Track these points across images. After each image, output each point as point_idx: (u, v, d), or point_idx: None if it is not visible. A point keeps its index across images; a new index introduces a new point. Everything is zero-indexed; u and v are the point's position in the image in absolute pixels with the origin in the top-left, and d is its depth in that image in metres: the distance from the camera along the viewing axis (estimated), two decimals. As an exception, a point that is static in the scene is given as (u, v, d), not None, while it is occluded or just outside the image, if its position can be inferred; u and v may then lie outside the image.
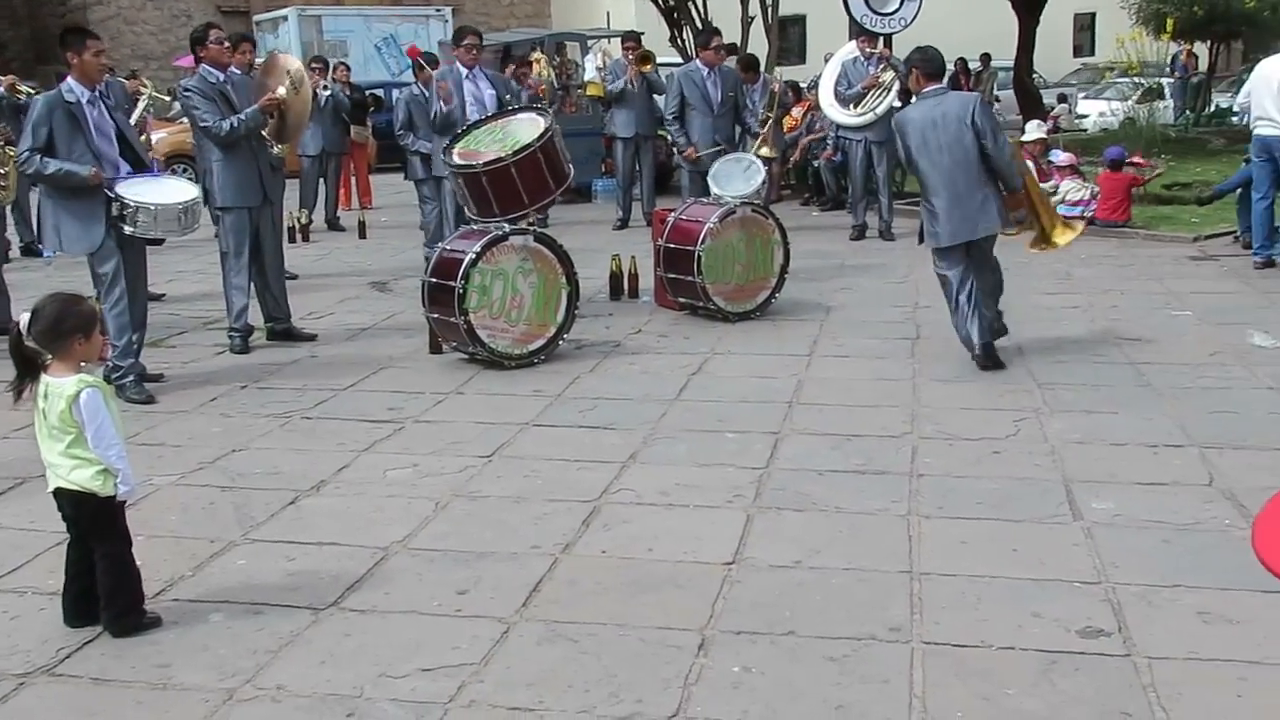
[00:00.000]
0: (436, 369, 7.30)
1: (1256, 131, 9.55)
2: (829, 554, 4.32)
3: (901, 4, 13.67)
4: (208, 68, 7.60)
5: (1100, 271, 9.81)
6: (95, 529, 3.77)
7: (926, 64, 6.94)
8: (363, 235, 13.18)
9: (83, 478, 3.69)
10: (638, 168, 13.32)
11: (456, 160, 7.43)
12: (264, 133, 7.67)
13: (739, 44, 15.75)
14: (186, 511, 4.96)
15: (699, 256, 8.08)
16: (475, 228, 7.52)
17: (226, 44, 7.78)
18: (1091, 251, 10.70)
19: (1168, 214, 12.08)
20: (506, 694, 3.42)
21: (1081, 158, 12.65)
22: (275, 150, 7.95)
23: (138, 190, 6.66)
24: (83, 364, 3.74)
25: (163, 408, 6.58)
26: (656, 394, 6.57)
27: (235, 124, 7.46)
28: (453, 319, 7.04)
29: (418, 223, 13.18)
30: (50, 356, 3.66)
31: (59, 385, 3.64)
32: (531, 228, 7.41)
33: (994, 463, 5.28)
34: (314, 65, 12.96)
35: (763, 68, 14.43)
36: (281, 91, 7.59)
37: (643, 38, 13.81)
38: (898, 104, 12.07)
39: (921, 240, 7.47)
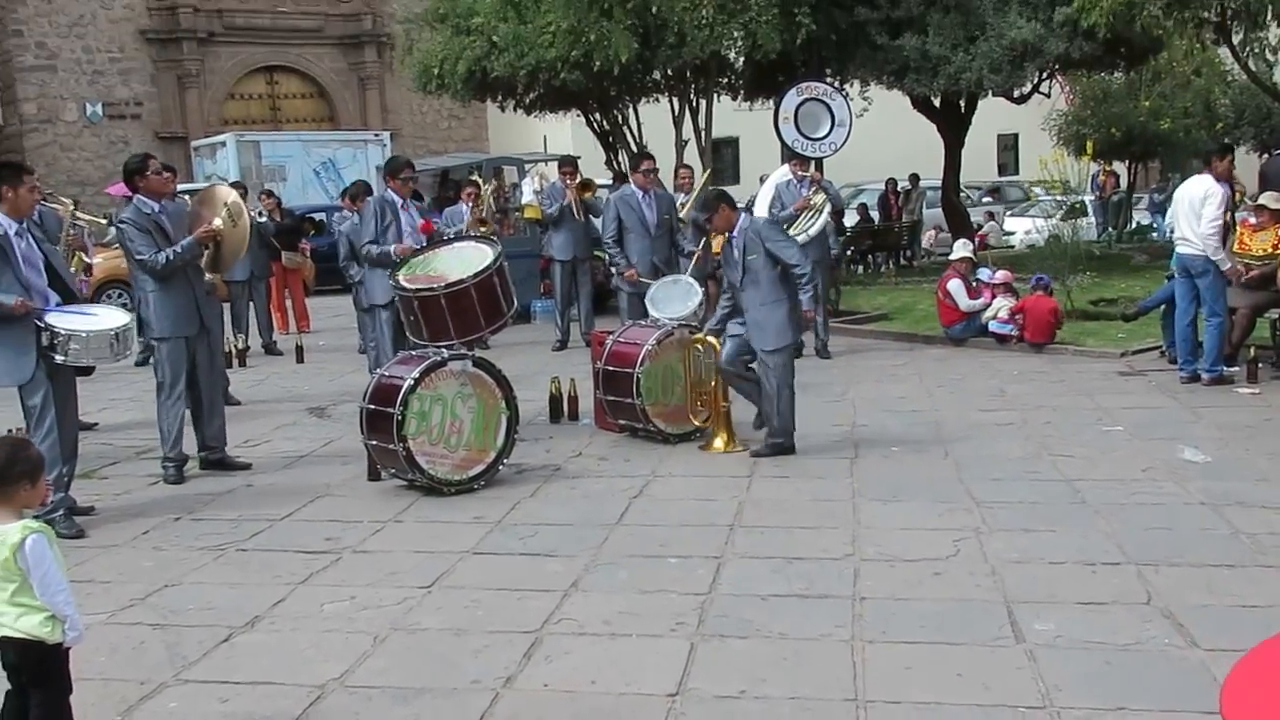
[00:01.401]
0: (375, 496, 7.22)
1: (1176, 249, 9.89)
2: (774, 683, 4.29)
3: (831, 129, 14.01)
4: (143, 199, 7.58)
5: (1032, 387, 9.98)
6: (39, 677, 3.65)
7: (732, 202, 8.11)
8: (300, 359, 13.10)
9: (30, 625, 3.57)
10: (576, 289, 13.43)
11: (408, 285, 7.46)
12: (200, 263, 7.65)
13: (674, 165, 16.05)
14: (116, 652, 4.83)
15: (638, 379, 8.12)
16: (414, 353, 7.52)
17: (164, 174, 7.80)
18: (1023, 367, 10.90)
19: (1094, 329, 12.36)
20: (447, 840, 3.32)
21: (1014, 275, 12.93)
22: (207, 278, 7.92)
23: (68, 319, 6.61)
24: (24, 509, 3.66)
25: (93, 542, 6.43)
26: (597, 519, 6.53)
27: (171, 256, 7.44)
28: (392, 445, 6.99)
29: (356, 346, 13.19)
30: None
31: (1, 533, 3.55)
32: (471, 352, 7.43)
33: (935, 584, 5.30)
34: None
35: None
36: (218, 223, 7.61)
37: (579, 161, 14.04)
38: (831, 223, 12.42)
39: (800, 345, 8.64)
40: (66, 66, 29.44)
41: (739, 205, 8.24)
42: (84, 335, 6.55)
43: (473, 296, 7.36)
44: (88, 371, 8.66)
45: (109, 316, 6.89)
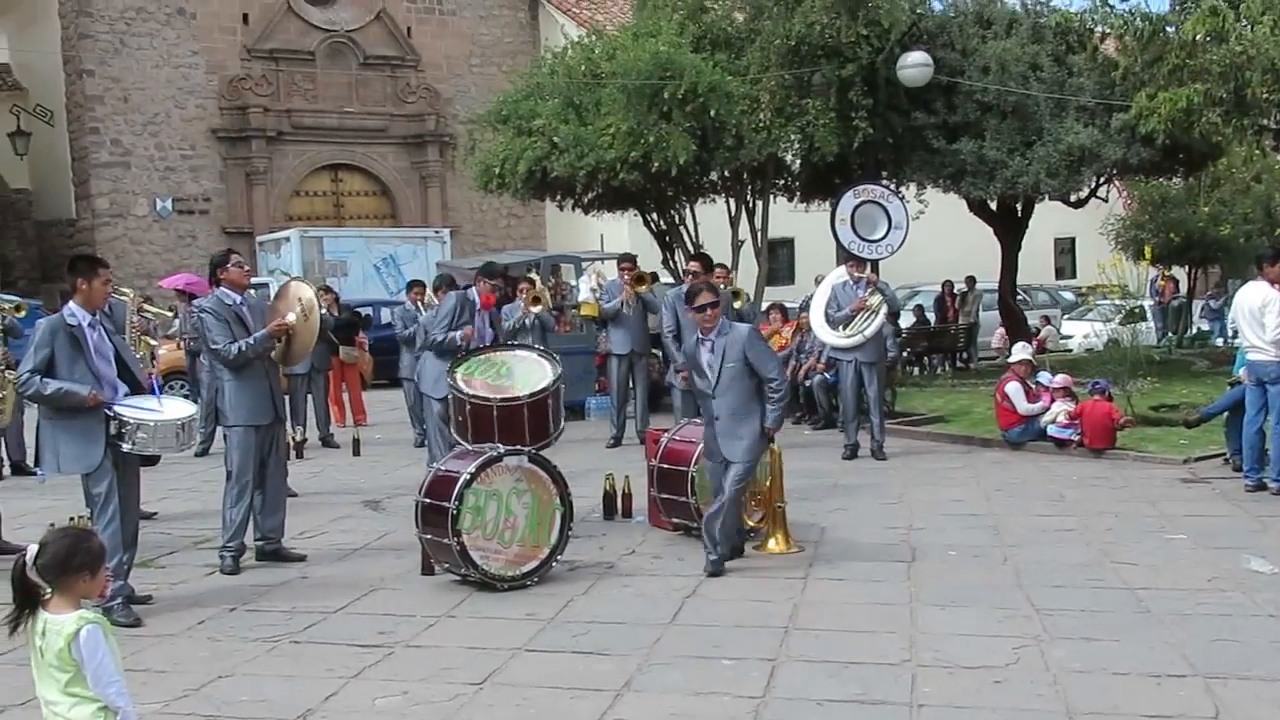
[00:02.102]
0: (428, 591, 7.22)
1: (1246, 357, 9.80)
2: (830, 790, 4.21)
3: (888, 231, 14.10)
4: (225, 290, 7.84)
5: (1093, 493, 9.83)
6: None
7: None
8: (356, 453, 13.21)
9: (83, 715, 3.59)
10: (632, 384, 13.47)
11: (464, 388, 7.60)
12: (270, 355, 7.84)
13: (729, 266, 16.20)
14: (169, 742, 4.83)
15: (692, 477, 8.11)
16: (470, 448, 7.57)
17: (247, 268, 8.04)
18: (1083, 473, 10.75)
19: (1156, 435, 12.17)
20: None
21: (1074, 379, 12.81)
22: None
23: (135, 409, 6.75)
24: (82, 600, 3.69)
25: (149, 631, 6.48)
26: (651, 618, 6.48)
27: (243, 347, 7.64)
28: (446, 540, 7.01)
29: (412, 440, 13.29)
30: (51, 591, 3.61)
31: (58, 623, 3.58)
32: (526, 448, 7.46)
33: (995, 693, 5.19)
34: None
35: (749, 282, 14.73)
36: (291, 318, 7.83)
37: (637, 259, 14.16)
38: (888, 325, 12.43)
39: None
40: (139, 163, 30.27)
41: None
42: (151, 425, 6.68)
43: (524, 414, 7.58)
44: (153, 461, 8.79)
45: (175, 407, 7.02)
